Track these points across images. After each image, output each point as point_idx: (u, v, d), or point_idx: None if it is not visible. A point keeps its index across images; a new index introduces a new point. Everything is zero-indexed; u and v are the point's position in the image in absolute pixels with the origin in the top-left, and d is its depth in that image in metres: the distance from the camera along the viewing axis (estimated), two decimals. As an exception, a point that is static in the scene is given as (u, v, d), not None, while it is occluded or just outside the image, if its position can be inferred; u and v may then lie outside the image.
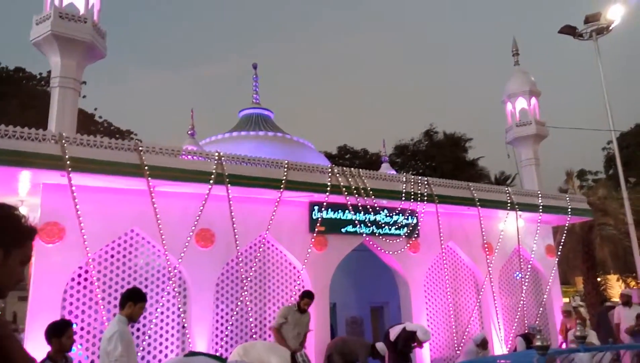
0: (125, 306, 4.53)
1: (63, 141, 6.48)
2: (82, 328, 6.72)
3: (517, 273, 11.30)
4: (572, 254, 16.47)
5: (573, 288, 26.20)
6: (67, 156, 6.42)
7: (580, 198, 12.88)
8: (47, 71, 23.68)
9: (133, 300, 4.53)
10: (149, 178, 7.00)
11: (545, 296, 11.53)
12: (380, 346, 7.88)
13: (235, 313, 7.87)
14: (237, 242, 7.87)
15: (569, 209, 11.68)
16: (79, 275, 6.90)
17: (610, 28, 15.47)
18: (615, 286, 20.42)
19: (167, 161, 7.23)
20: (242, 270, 8.00)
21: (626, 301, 9.99)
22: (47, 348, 4.67)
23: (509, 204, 10.78)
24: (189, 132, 12.27)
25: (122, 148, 6.92)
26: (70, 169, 6.44)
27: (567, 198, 12.05)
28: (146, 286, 7.32)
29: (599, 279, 18.21)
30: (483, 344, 8.75)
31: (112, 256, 7.19)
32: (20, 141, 6.22)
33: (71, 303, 6.78)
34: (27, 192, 7.13)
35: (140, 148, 7.04)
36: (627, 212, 14.49)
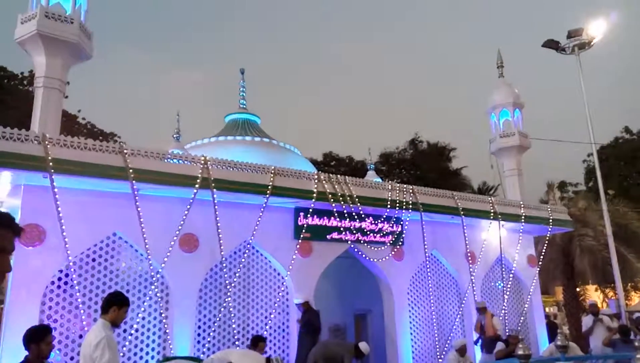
0: (109, 311, 4.42)
1: (46, 142, 6.38)
2: (61, 333, 6.58)
3: (499, 282, 11.41)
4: (552, 264, 16.69)
5: (552, 297, 26.55)
6: (49, 158, 6.32)
7: (561, 209, 13.09)
8: (29, 70, 23.28)
9: (118, 305, 4.43)
10: (133, 181, 6.91)
11: (526, 305, 11.66)
12: (363, 346, 7.87)
13: (218, 319, 7.79)
14: (222, 247, 7.81)
15: (550, 220, 11.86)
16: (59, 279, 6.77)
17: (592, 43, 15.84)
18: (593, 297, 20.76)
19: (152, 164, 7.16)
20: (225, 275, 7.94)
21: (595, 311, 10.18)
22: (23, 353, 4.56)
23: (492, 214, 10.90)
24: (175, 135, 12.18)
25: (106, 150, 6.84)
26: (52, 170, 6.34)
27: (549, 209, 12.24)
28: (128, 291, 7.19)
29: (578, 289, 18.49)
30: (461, 350, 8.80)
31: (94, 259, 7.07)
32: (2, 141, 6.11)
33: (50, 307, 6.63)
34: (7, 193, 6.98)
35: (125, 151, 6.96)
36: (606, 223, 14.75)
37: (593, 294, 21.62)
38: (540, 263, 12.36)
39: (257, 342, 7.32)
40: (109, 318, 4.40)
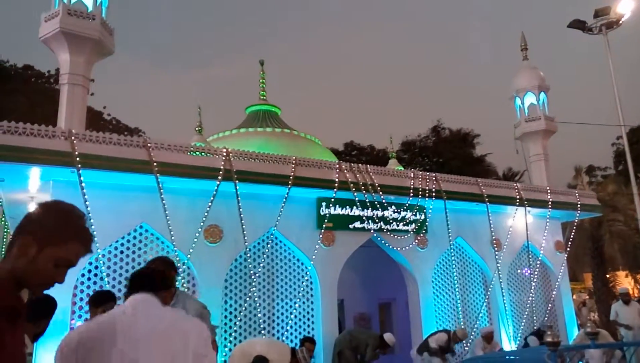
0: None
1: (72, 137, 6.52)
2: (92, 324, 6.75)
3: (526, 269, 11.23)
4: (581, 250, 16.38)
5: (581, 284, 26.04)
6: (76, 153, 6.45)
7: (589, 193, 12.78)
8: (55, 68, 23.81)
9: None
10: (158, 174, 7.02)
11: (554, 292, 11.47)
12: (388, 337, 7.92)
13: (243, 308, 7.89)
14: (245, 238, 7.88)
15: (579, 205, 11.60)
16: (89, 271, 6.95)
17: (620, 22, 15.28)
18: (624, 283, 20.28)
19: (175, 157, 7.26)
20: (250, 265, 8.02)
21: (627, 300, 9.99)
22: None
23: (517, 200, 10.71)
24: (197, 128, 12.30)
25: (131, 145, 6.95)
26: (79, 165, 6.47)
27: (577, 194, 11.97)
28: (155, 282, 7.33)
29: (607, 275, 18.08)
30: (487, 337, 8.72)
31: (122, 252, 7.23)
32: (30, 137, 6.26)
33: (81, 299, 6.82)
34: (37, 189, 7.18)
35: (149, 145, 7.06)
36: (637, 208, 14.35)
37: (623, 280, 21.13)
38: (568, 249, 12.11)
39: (304, 342, 7.34)
40: None
